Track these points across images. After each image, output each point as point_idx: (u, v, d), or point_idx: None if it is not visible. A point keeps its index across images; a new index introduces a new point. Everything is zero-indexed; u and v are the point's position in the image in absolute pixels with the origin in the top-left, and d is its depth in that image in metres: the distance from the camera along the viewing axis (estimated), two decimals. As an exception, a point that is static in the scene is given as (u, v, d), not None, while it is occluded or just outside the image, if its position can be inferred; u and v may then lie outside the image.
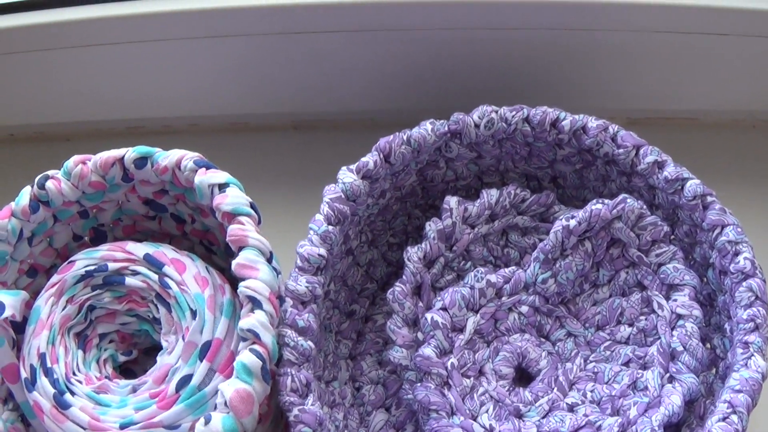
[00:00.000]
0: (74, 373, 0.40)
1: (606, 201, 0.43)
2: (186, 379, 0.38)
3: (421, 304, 0.43)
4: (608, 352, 0.44)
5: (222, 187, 0.40)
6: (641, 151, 0.43)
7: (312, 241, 0.40)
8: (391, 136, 0.43)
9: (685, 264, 0.43)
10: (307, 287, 0.39)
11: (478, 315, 0.43)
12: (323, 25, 0.49)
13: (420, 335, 0.42)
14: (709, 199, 0.42)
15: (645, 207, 0.43)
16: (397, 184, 0.45)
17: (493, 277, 0.43)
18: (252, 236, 0.39)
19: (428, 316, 0.42)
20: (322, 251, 0.40)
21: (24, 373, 0.40)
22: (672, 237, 0.44)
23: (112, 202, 0.44)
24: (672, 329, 0.42)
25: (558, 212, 0.45)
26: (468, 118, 0.44)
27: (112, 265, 0.41)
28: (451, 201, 0.44)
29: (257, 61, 0.52)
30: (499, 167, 0.47)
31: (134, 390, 0.40)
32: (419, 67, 0.52)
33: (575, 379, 0.43)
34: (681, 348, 0.41)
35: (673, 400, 0.40)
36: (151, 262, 0.41)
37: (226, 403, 0.35)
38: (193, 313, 0.40)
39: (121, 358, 0.43)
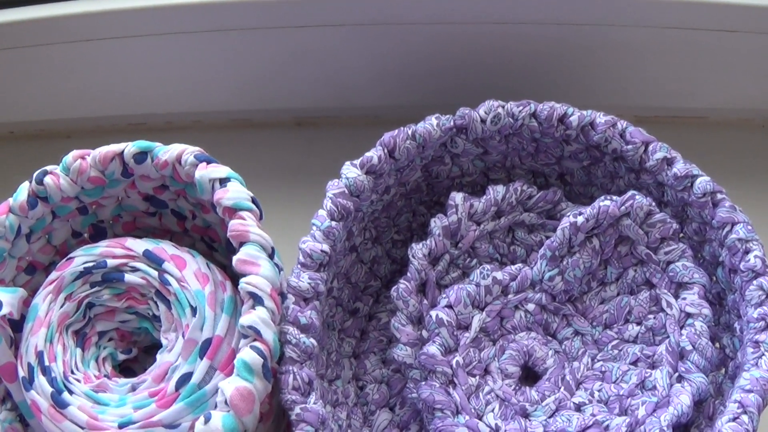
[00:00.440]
0: (72, 372, 0.40)
1: (614, 197, 0.42)
2: (186, 378, 0.38)
3: (425, 301, 0.42)
4: (616, 351, 0.43)
5: (223, 181, 0.39)
6: (650, 148, 0.43)
7: (315, 237, 0.39)
8: (396, 131, 0.42)
9: (694, 262, 0.42)
10: (309, 283, 0.38)
11: (484, 313, 0.43)
12: (326, 20, 0.49)
13: (425, 333, 0.42)
14: (719, 196, 0.42)
15: (654, 204, 0.42)
16: (401, 180, 0.45)
17: (499, 275, 0.43)
18: (253, 231, 0.38)
19: (433, 313, 0.41)
20: (325, 247, 0.39)
21: (21, 372, 0.40)
22: (681, 235, 0.43)
23: (111, 197, 0.44)
24: (681, 328, 0.41)
25: (565, 209, 0.45)
26: (474, 113, 0.43)
27: (111, 262, 0.41)
28: (457, 197, 0.43)
29: (260, 56, 0.51)
30: (505, 163, 0.46)
31: (133, 388, 0.39)
32: (423, 62, 0.52)
33: (582, 378, 0.43)
34: (690, 347, 0.41)
35: (683, 399, 0.39)
36: (150, 258, 0.40)
37: (226, 402, 0.35)
38: (194, 310, 0.39)
39: (121, 357, 0.42)
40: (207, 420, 0.34)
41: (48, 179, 0.41)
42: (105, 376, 0.41)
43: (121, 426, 0.37)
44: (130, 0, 0.49)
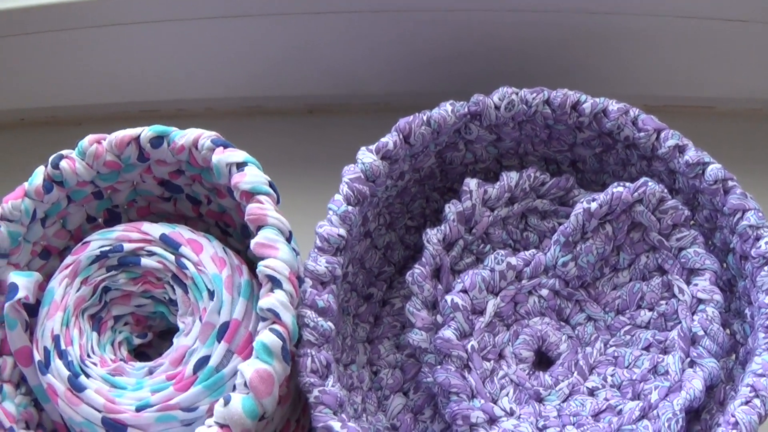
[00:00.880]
0: (89, 356, 0.40)
1: (627, 184, 0.43)
2: (203, 361, 0.38)
3: (440, 286, 0.43)
4: (628, 337, 0.43)
5: (240, 166, 0.39)
6: (662, 135, 0.43)
7: (331, 222, 0.39)
8: (411, 117, 0.42)
9: (705, 248, 0.43)
10: (326, 267, 0.38)
11: (498, 298, 0.43)
12: (339, 7, 0.49)
13: (439, 318, 0.42)
14: (730, 183, 0.42)
15: (666, 191, 0.43)
16: (416, 165, 0.45)
17: (513, 260, 0.43)
18: (271, 215, 0.38)
19: (448, 298, 0.41)
20: (342, 231, 0.39)
21: (37, 356, 0.40)
22: (692, 221, 0.43)
23: (127, 182, 0.44)
24: (693, 314, 0.42)
25: (577, 196, 0.45)
26: (488, 99, 0.43)
27: (127, 246, 0.41)
28: (471, 183, 0.43)
29: (272, 43, 0.52)
30: (518, 150, 0.47)
31: (150, 372, 0.39)
32: (435, 49, 0.52)
33: (595, 363, 0.43)
34: (702, 333, 0.41)
35: (695, 384, 0.40)
36: (167, 242, 0.40)
37: (245, 384, 0.35)
38: (211, 294, 0.39)
39: (136, 341, 0.42)
40: (227, 402, 0.35)
41: (64, 163, 0.41)
42: (121, 360, 0.41)
43: (138, 409, 0.37)
44: (142, -14, 0.49)
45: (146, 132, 0.41)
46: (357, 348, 0.45)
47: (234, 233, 0.46)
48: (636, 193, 0.42)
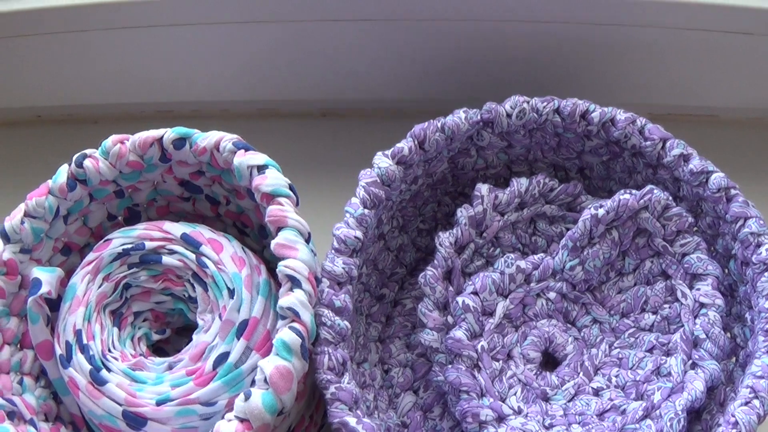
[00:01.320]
0: (110, 350, 0.41)
1: (633, 191, 0.44)
2: (223, 357, 0.39)
3: (451, 288, 0.44)
4: (632, 339, 0.44)
5: (261, 168, 0.40)
6: (668, 144, 0.44)
7: (348, 224, 0.41)
8: (426, 123, 0.43)
9: (708, 254, 0.44)
10: (343, 268, 0.40)
11: (508, 300, 0.44)
12: (354, 14, 0.50)
13: (450, 319, 0.43)
14: (732, 191, 0.43)
15: (671, 198, 0.44)
16: (429, 170, 0.46)
17: (522, 263, 0.44)
18: (291, 217, 0.39)
19: (460, 299, 0.43)
20: (359, 234, 0.40)
21: (59, 350, 0.40)
22: (695, 228, 0.45)
23: (148, 182, 0.45)
24: (695, 317, 0.43)
25: (585, 202, 0.46)
26: (500, 107, 0.45)
27: (149, 244, 0.42)
28: (483, 188, 0.44)
29: (288, 48, 0.52)
30: (528, 157, 0.48)
31: (170, 367, 0.40)
32: (447, 57, 0.53)
33: (600, 364, 0.44)
34: (704, 336, 0.42)
35: (696, 385, 0.41)
36: (188, 241, 0.41)
37: (265, 380, 0.36)
38: (231, 292, 0.40)
39: (155, 337, 0.43)
40: (247, 397, 0.35)
41: (87, 162, 0.42)
42: (140, 355, 0.42)
43: (158, 403, 0.38)
44: (162, -11, 0.50)
45: (169, 133, 0.42)
46: (369, 347, 0.46)
47: (251, 233, 0.47)
48: (642, 200, 0.44)
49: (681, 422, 0.40)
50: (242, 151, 0.41)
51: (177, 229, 0.42)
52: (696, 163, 0.43)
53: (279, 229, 0.39)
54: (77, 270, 0.42)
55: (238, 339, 0.39)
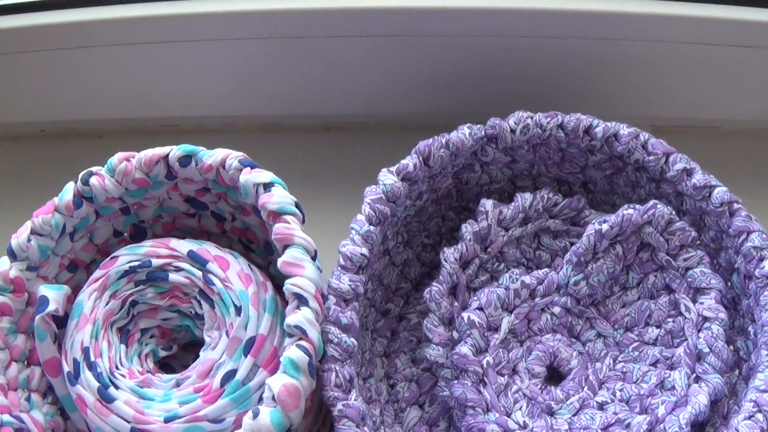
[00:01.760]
0: (117, 368, 0.41)
1: (637, 206, 0.44)
2: (231, 374, 0.39)
3: (456, 303, 0.44)
4: (636, 353, 0.45)
5: (267, 186, 0.40)
6: (671, 159, 0.44)
7: (354, 241, 0.41)
8: (430, 140, 0.44)
9: (711, 268, 0.44)
10: (350, 285, 0.40)
11: (513, 315, 0.44)
12: (356, 30, 0.50)
13: (455, 334, 0.43)
14: (735, 206, 0.43)
15: (674, 213, 0.44)
16: (433, 186, 0.46)
17: (527, 279, 0.44)
18: (298, 235, 0.39)
19: (465, 315, 0.43)
20: (364, 250, 0.40)
21: (67, 367, 0.41)
22: (699, 242, 0.45)
23: (153, 199, 0.45)
24: (698, 331, 0.43)
25: (588, 216, 0.46)
26: (504, 123, 0.45)
27: (155, 261, 0.42)
28: (487, 204, 0.45)
29: (292, 64, 0.52)
30: (532, 172, 0.48)
31: (178, 384, 0.40)
32: (450, 72, 0.53)
33: (605, 378, 0.44)
34: (707, 349, 0.42)
35: (700, 399, 0.41)
36: (194, 258, 0.41)
37: (273, 398, 0.36)
38: (237, 310, 0.40)
39: (162, 353, 0.43)
40: (255, 415, 0.35)
41: (93, 180, 0.42)
42: (147, 371, 0.42)
43: (167, 420, 0.38)
44: (165, 7, 0.50)
45: (175, 151, 0.42)
46: (375, 362, 0.46)
47: (257, 249, 0.47)
48: (645, 215, 0.44)
49: (685, 436, 0.40)
50: (248, 168, 0.41)
51: (184, 246, 0.42)
52: (699, 178, 0.44)
53: (285, 247, 0.39)
54: (84, 287, 0.42)
55: (246, 356, 0.39)
